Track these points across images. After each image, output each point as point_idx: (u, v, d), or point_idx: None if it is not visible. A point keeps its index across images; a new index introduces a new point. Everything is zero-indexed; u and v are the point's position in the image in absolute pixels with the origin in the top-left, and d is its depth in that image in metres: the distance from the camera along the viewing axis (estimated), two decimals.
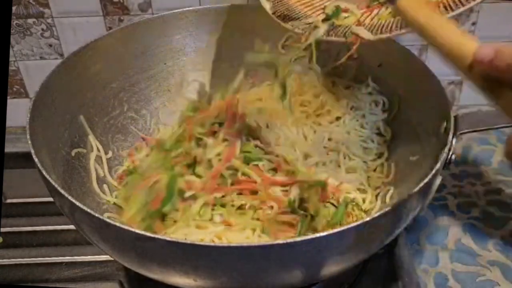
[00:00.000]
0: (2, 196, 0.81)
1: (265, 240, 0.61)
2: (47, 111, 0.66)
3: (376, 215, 0.50)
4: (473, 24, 0.95)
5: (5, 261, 0.74)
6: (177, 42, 0.83)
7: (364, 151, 0.76)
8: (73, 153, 0.70)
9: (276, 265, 0.49)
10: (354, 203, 0.69)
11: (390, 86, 0.78)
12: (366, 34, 0.61)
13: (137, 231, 0.48)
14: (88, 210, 0.50)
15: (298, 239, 0.48)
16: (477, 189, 0.85)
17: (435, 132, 0.65)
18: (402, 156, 0.74)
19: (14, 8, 0.88)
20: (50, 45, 0.93)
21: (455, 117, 0.62)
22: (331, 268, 0.54)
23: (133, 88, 0.81)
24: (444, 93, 0.65)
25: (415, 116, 0.73)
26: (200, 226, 0.62)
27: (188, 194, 0.63)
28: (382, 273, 0.72)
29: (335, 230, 0.48)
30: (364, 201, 0.72)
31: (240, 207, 0.64)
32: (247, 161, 0.67)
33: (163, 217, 0.64)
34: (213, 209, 0.63)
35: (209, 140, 0.68)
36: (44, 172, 0.55)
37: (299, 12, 0.70)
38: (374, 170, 0.75)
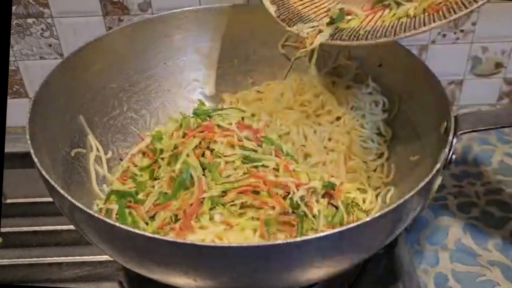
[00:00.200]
0: (2, 196, 0.81)
1: (265, 240, 0.61)
2: (47, 111, 0.66)
3: (376, 215, 0.50)
4: (473, 24, 0.95)
5: (5, 261, 0.74)
6: (177, 42, 0.83)
7: (364, 151, 0.76)
8: (72, 153, 0.70)
9: (276, 265, 0.49)
10: (354, 203, 0.69)
11: (390, 86, 0.78)
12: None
13: (137, 231, 0.48)
14: (88, 210, 0.50)
15: (298, 239, 0.48)
16: (477, 189, 0.85)
17: (435, 132, 0.65)
18: (402, 156, 0.74)
19: (13, 8, 0.87)
20: (50, 45, 0.93)
21: (455, 117, 0.62)
22: (331, 268, 0.54)
23: (133, 88, 0.81)
24: (444, 93, 0.65)
25: (415, 116, 0.73)
26: (201, 226, 0.62)
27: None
28: (382, 273, 0.72)
29: (335, 230, 0.48)
30: (364, 201, 0.72)
31: (241, 207, 0.63)
32: (247, 162, 0.67)
33: None
34: (213, 209, 0.63)
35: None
36: (43, 172, 0.55)
37: (304, 15, 0.70)
38: (374, 170, 0.75)
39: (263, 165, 0.66)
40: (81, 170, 0.71)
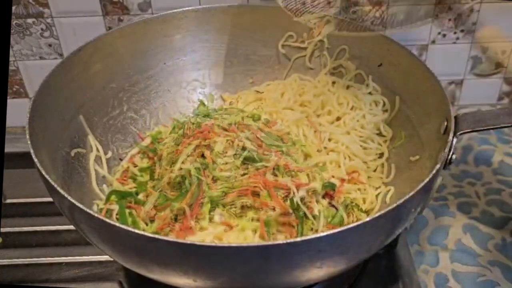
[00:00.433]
0: (2, 196, 0.80)
1: (265, 241, 0.61)
2: (46, 111, 0.66)
3: (376, 215, 0.50)
4: (473, 24, 0.95)
5: (5, 261, 0.74)
6: (177, 42, 0.83)
7: (364, 151, 0.76)
8: (72, 153, 0.70)
9: (276, 265, 0.49)
10: (354, 204, 0.69)
11: (390, 86, 0.78)
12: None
13: (137, 231, 0.48)
14: (88, 210, 0.50)
15: (298, 239, 0.48)
16: (477, 189, 0.85)
17: (435, 132, 0.65)
18: (402, 156, 0.74)
19: (13, 8, 0.87)
20: (50, 45, 0.93)
21: (455, 117, 0.62)
22: (331, 268, 0.54)
23: (133, 88, 0.81)
24: (444, 93, 0.65)
25: (415, 116, 0.73)
26: (201, 228, 0.62)
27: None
28: (382, 273, 0.72)
29: (335, 230, 0.48)
30: (364, 201, 0.72)
31: (241, 208, 0.63)
32: (247, 162, 0.67)
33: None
34: (212, 210, 0.63)
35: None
36: (43, 172, 0.55)
37: (310, 6, 0.70)
38: (374, 170, 0.75)
39: (263, 166, 0.66)
40: (81, 170, 0.71)
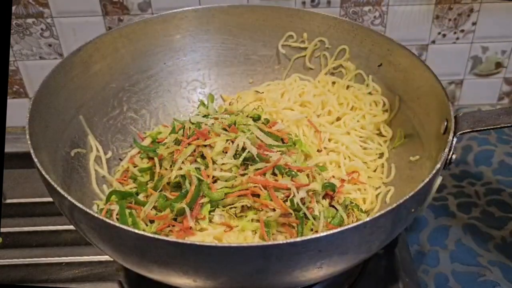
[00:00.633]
0: (2, 196, 0.80)
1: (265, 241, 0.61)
2: (46, 111, 0.65)
3: (376, 215, 0.50)
4: (473, 24, 0.95)
5: (5, 261, 0.74)
6: (177, 42, 0.83)
7: (364, 151, 0.76)
8: (72, 153, 0.70)
9: (276, 265, 0.49)
10: (354, 204, 0.69)
11: (390, 86, 0.78)
12: None
13: (137, 231, 0.48)
14: (88, 210, 0.50)
15: (298, 239, 0.47)
16: (477, 189, 0.85)
17: (435, 132, 0.65)
18: (402, 156, 0.74)
19: (13, 8, 0.88)
20: (50, 45, 0.93)
21: (455, 117, 0.62)
22: (331, 268, 0.54)
23: (133, 88, 0.81)
24: (444, 93, 0.65)
25: (415, 116, 0.73)
26: (200, 229, 0.62)
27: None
28: (382, 273, 0.72)
29: (335, 230, 0.48)
30: (364, 201, 0.72)
31: (241, 209, 0.63)
32: (246, 163, 0.67)
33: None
34: (212, 211, 0.63)
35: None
36: (43, 172, 0.55)
37: None
38: (375, 171, 0.75)
39: (263, 166, 0.66)
40: (81, 170, 0.71)
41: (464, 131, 0.61)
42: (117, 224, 0.49)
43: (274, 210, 0.61)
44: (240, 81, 0.87)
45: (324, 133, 0.78)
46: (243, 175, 0.65)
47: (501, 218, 0.80)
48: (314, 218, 0.63)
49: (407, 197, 0.52)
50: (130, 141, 0.79)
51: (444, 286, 0.71)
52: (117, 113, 0.79)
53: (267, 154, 0.67)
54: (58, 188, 0.53)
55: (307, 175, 0.67)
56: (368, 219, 0.49)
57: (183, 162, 0.66)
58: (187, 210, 0.61)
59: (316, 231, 0.63)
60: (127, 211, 0.65)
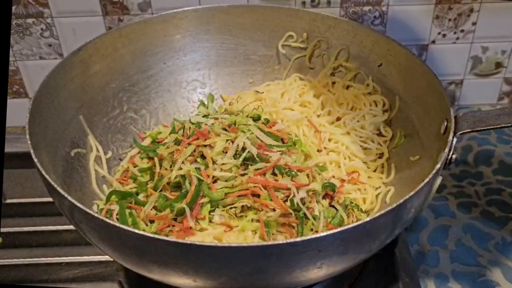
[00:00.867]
0: (2, 196, 0.80)
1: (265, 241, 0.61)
2: (46, 111, 0.66)
3: (376, 215, 0.50)
4: (473, 24, 0.95)
5: (5, 261, 0.74)
6: (177, 42, 0.83)
7: (364, 151, 0.76)
8: (72, 153, 0.70)
9: (276, 265, 0.49)
10: (354, 204, 0.69)
11: (390, 86, 0.78)
12: None
13: (137, 231, 0.48)
14: (88, 210, 0.50)
15: (298, 239, 0.48)
16: (477, 189, 0.85)
17: (435, 132, 0.65)
18: (402, 156, 0.74)
19: (13, 8, 0.88)
20: (50, 45, 0.93)
21: (455, 117, 0.62)
22: (331, 268, 0.54)
23: (132, 88, 0.81)
24: (444, 93, 0.65)
25: (415, 116, 0.73)
26: (200, 229, 0.62)
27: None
28: (382, 273, 0.72)
29: (335, 230, 0.48)
30: (364, 201, 0.72)
31: (241, 210, 0.63)
32: (246, 162, 0.67)
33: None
34: (212, 210, 0.63)
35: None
36: (43, 172, 0.55)
37: None
38: (375, 171, 0.75)
39: (263, 166, 0.66)
40: (81, 170, 0.71)
41: (464, 131, 0.61)
42: (117, 224, 0.49)
43: (274, 210, 0.61)
44: (240, 81, 0.87)
45: (324, 133, 0.78)
46: (243, 175, 0.65)
47: (501, 218, 0.80)
48: (314, 218, 0.63)
49: (407, 197, 0.52)
50: (130, 141, 0.79)
51: (444, 286, 0.71)
52: (117, 113, 0.79)
53: (267, 154, 0.67)
54: (58, 188, 0.53)
55: (307, 175, 0.67)
56: (368, 219, 0.49)
57: (183, 162, 0.66)
58: (187, 210, 0.61)
59: (316, 231, 0.63)
60: (127, 211, 0.65)
